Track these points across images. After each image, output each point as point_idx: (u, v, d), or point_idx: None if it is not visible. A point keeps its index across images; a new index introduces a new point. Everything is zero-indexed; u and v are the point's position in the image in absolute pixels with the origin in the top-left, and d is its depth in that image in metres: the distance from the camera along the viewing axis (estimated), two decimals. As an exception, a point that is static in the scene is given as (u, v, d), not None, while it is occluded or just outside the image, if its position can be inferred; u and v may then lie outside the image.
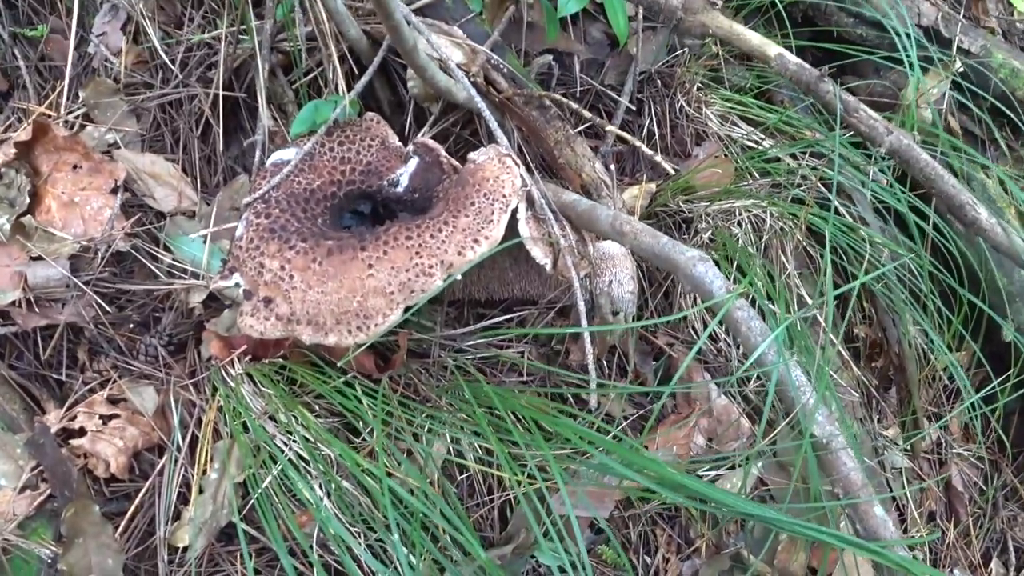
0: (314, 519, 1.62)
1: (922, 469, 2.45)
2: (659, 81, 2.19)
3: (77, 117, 1.94)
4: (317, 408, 1.72)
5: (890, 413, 2.43)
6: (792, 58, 1.90)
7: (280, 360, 1.73)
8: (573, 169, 1.91)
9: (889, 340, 2.39)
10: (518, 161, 1.71)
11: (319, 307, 1.50)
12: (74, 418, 1.68)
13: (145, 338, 1.77)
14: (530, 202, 1.71)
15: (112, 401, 1.73)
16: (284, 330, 1.52)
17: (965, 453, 2.55)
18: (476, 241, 1.53)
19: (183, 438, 1.70)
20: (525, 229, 1.65)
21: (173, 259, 1.84)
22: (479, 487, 1.79)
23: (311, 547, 1.62)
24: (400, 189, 1.74)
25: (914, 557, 1.53)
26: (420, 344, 1.88)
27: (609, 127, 2.00)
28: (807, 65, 1.90)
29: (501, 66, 1.89)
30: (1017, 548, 2.54)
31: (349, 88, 1.83)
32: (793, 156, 2.23)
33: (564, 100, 1.91)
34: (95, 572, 1.58)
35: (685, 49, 2.23)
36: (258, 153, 1.89)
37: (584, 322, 1.66)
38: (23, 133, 1.80)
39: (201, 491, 1.64)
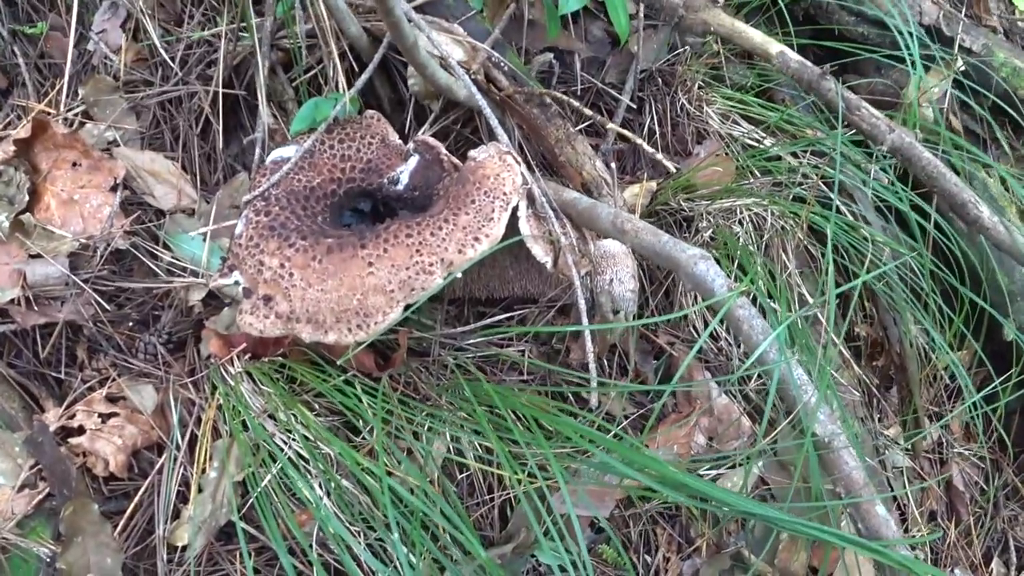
0: (314, 518, 1.61)
1: (923, 468, 2.45)
2: (660, 79, 2.19)
3: (76, 114, 1.93)
4: (317, 407, 1.72)
5: (891, 412, 2.43)
6: (794, 56, 1.90)
7: (280, 358, 1.73)
8: (574, 167, 1.91)
9: (890, 339, 2.38)
10: (519, 159, 1.70)
11: (319, 305, 1.50)
12: (73, 416, 1.68)
13: (144, 336, 1.77)
14: (531, 200, 1.71)
15: (111, 399, 1.72)
16: (284, 328, 1.51)
17: (966, 452, 2.55)
18: (476, 239, 1.53)
19: (182, 437, 1.70)
20: (526, 227, 1.65)
21: (172, 257, 1.83)
22: (479, 486, 1.78)
23: (311, 546, 1.61)
24: (400, 187, 1.73)
25: (915, 557, 1.53)
26: (420, 342, 1.88)
27: (610, 125, 1.99)
28: (809, 63, 1.90)
29: (502, 64, 1.88)
30: (1018, 547, 2.53)
31: (349, 85, 1.83)
32: (794, 155, 2.23)
33: (565, 98, 1.91)
34: (94, 571, 1.57)
35: (686, 47, 2.22)
36: (258, 151, 1.89)
37: (585, 320, 1.66)
38: (22, 130, 1.80)
39: (200, 490, 1.63)
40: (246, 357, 1.72)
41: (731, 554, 1.93)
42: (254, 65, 1.90)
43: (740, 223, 2.14)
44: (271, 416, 1.68)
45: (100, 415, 1.69)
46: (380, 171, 1.76)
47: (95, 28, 1.99)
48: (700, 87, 2.24)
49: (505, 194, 1.60)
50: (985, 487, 2.53)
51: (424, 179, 1.73)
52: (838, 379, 2.24)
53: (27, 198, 1.78)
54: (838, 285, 2.16)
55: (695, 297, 2.08)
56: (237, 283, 1.58)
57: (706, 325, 2.11)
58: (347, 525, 1.57)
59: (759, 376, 2.07)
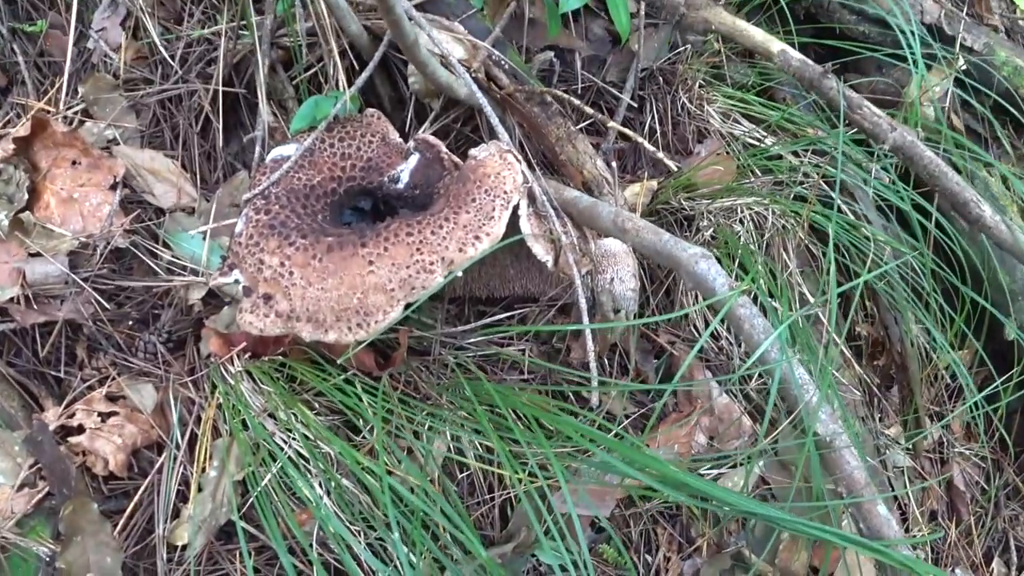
0: (314, 517, 1.61)
1: (924, 468, 2.45)
2: (661, 78, 2.18)
3: (76, 113, 1.93)
4: (317, 406, 1.72)
5: (892, 412, 2.43)
6: (795, 54, 1.90)
7: (280, 357, 1.73)
8: (574, 166, 1.90)
9: (891, 338, 2.38)
10: (519, 157, 1.70)
11: (319, 304, 1.49)
12: (72, 415, 1.68)
13: (144, 335, 1.77)
14: (531, 199, 1.70)
15: (111, 398, 1.72)
16: (284, 327, 1.51)
17: (967, 452, 2.54)
18: (477, 238, 1.52)
19: (182, 436, 1.69)
20: (526, 226, 1.65)
21: (172, 256, 1.83)
22: (480, 485, 1.78)
23: (311, 545, 1.61)
24: (401, 185, 1.73)
25: (916, 556, 1.53)
26: (420, 341, 1.88)
27: (611, 124, 1.99)
28: (810, 61, 1.90)
29: (502, 62, 1.88)
30: (1019, 547, 2.53)
31: (350, 84, 1.83)
32: (795, 153, 2.22)
33: (565, 96, 1.91)
34: (93, 570, 1.57)
35: (687, 46, 2.22)
36: (258, 149, 1.89)
37: (585, 319, 1.65)
38: (22, 129, 1.79)
39: (200, 489, 1.63)
40: (246, 356, 1.72)
41: (732, 554, 1.92)
42: (254, 63, 1.90)
43: (741, 222, 2.13)
44: (271, 415, 1.68)
45: (100, 414, 1.68)
46: (380, 169, 1.76)
47: (95, 26, 1.99)
48: (701, 86, 2.24)
49: (506, 193, 1.60)
50: (986, 487, 2.53)
51: (424, 177, 1.73)
52: (839, 378, 2.24)
53: (27, 196, 1.78)
54: (839, 284, 2.15)
55: (696, 296, 2.08)
56: (237, 282, 1.58)
57: (707, 324, 2.11)
58: (347, 524, 1.57)
59: (760, 375, 2.06)
